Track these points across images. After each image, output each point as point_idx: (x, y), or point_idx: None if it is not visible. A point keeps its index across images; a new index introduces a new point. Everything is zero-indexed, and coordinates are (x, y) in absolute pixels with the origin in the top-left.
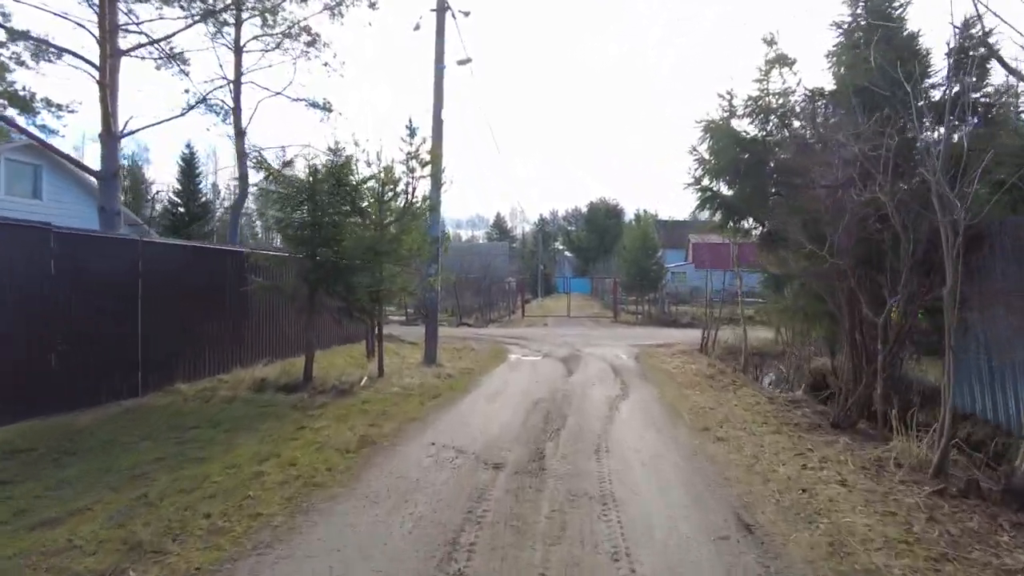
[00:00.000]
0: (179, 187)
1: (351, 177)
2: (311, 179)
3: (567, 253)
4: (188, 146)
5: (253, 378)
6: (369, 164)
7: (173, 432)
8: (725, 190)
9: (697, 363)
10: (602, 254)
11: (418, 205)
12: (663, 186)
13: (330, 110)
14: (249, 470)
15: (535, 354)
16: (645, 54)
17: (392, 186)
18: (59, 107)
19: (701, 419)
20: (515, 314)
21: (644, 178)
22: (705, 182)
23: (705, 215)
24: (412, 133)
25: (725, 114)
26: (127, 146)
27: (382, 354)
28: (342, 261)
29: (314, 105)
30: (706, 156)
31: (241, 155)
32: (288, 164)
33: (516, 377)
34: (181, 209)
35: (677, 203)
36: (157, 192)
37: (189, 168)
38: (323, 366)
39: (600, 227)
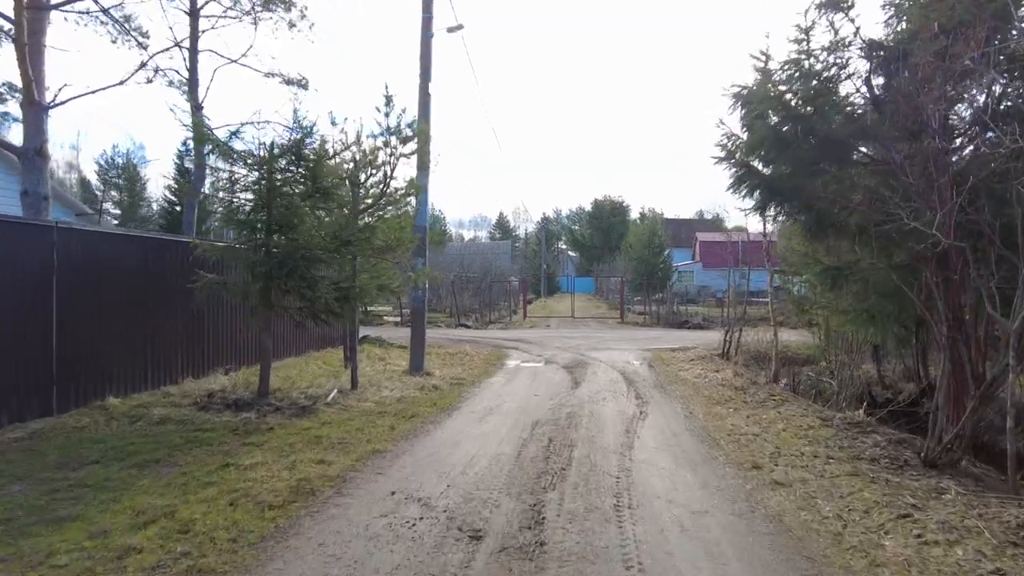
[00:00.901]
0: (175, 185)
1: (308, 151)
2: (267, 154)
3: (571, 253)
4: (184, 143)
5: (202, 391)
6: (347, 147)
7: (62, 470)
8: (760, 168)
9: (720, 371)
10: (607, 252)
11: (399, 189)
12: (668, 185)
13: (305, 87)
14: (118, 542)
15: (536, 360)
16: (652, 45)
17: (372, 168)
18: None
19: (745, 451)
20: (517, 315)
21: (649, 175)
22: (739, 156)
23: (734, 200)
24: (389, 102)
25: (760, 77)
26: (122, 142)
27: (356, 362)
28: (299, 252)
29: (289, 82)
30: (737, 130)
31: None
32: (235, 134)
33: (513, 389)
34: (177, 207)
35: (682, 202)
36: (147, 185)
37: (184, 164)
38: (290, 376)
39: (605, 225)
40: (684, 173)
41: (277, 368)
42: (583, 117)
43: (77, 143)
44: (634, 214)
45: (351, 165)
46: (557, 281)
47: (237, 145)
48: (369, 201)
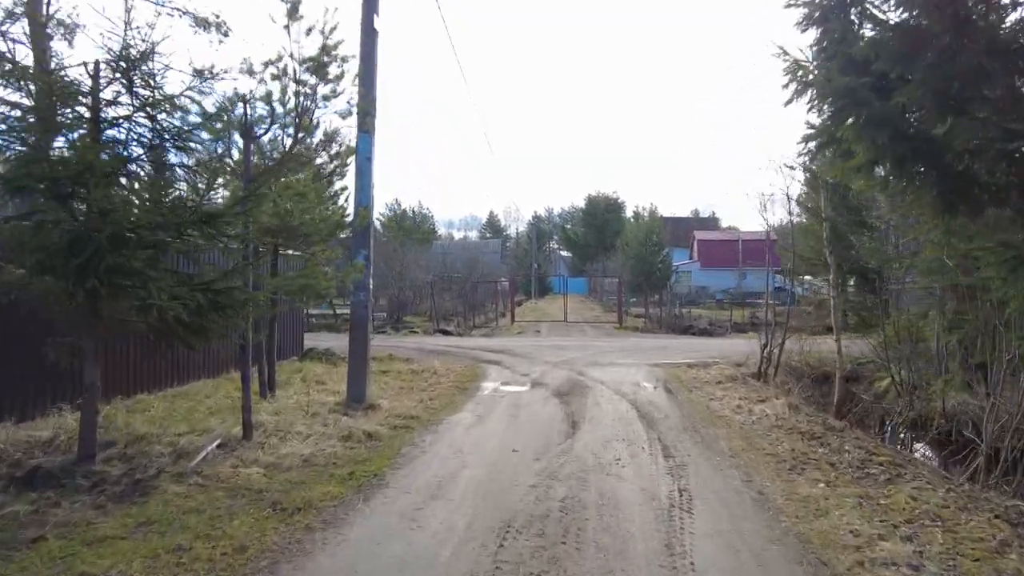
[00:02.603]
0: None
1: (146, 72)
2: (91, 74)
3: (563, 253)
4: None
5: (14, 444)
6: (271, 103)
7: None
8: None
9: (766, 400)
10: (601, 251)
11: (319, 148)
12: (662, 183)
13: (226, 33)
14: None
15: (520, 381)
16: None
17: (281, 115)
18: None
19: None
20: (504, 318)
21: (642, 172)
22: (836, 80)
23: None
24: (294, 12)
25: None
26: None
27: (248, 399)
28: (112, 229)
29: (202, 23)
30: (806, 59)
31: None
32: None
33: (483, 437)
34: None
35: (677, 200)
36: None
37: None
38: (175, 412)
39: (599, 222)
40: (678, 170)
41: (173, 396)
42: (574, 113)
43: None
44: (628, 212)
45: (240, 107)
46: (549, 282)
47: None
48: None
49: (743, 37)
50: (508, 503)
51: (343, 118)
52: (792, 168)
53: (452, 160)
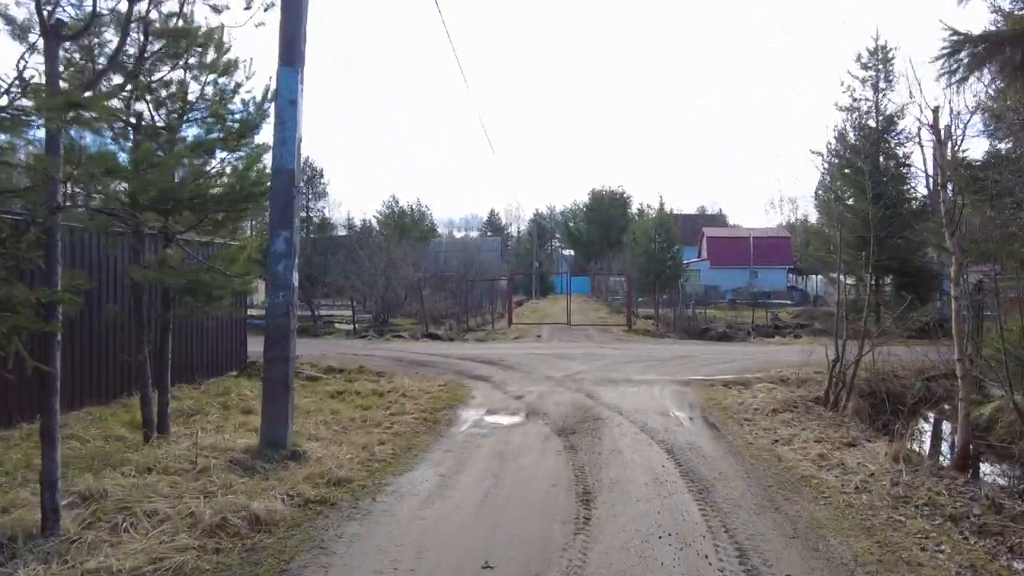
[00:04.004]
0: None
1: None
2: None
3: (565, 252)
4: None
5: None
6: None
7: None
8: None
9: (850, 440)
10: (606, 248)
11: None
12: (666, 180)
13: None
14: None
15: (512, 407)
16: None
17: None
18: None
19: None
20: (502, 320)
21: (645, 169)
22: None
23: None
24: None
25: None
26: None
27: (50, 464)
28: None
29: None
30: None
31: None
32: None
33: (439, 531)
34: None
35: (682, 197)
36: None
37: None
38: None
39: (604, 218)
40: (679, 167)
41: (26, 435)
42: (575, 111)
43: None
44: (634, 208)
45: None
46: (551, 280)
47: None
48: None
49: (743, 34)
50: None
51: None
52: (820, 154)
53: (452, 157)
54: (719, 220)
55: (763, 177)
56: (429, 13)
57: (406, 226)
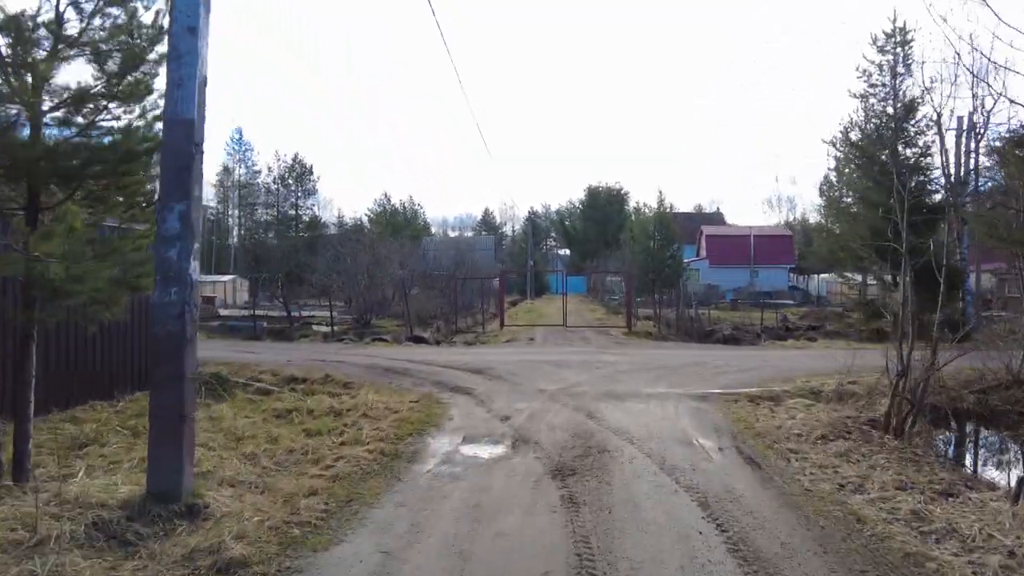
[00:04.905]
0: None
1: None
2: None
3: (560, 252)
4: None
5: None
6: None
7: None
8: None
9: (942, 485)
10: (602, 247)
11: None
12: (663, 179)
13: None
14: None
15: (495, 434)
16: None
17: None
18: None
19: None
20: (494, 322)
21: (642, 168)
22: None
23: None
24: None
25: None
26: None
27: None
28: None
29: None
30: None
31: None
32: None
33: None
34: None
35: (679, 196)
36: None
37: None
38: None
39: (601, 215)
40: (678, 167)
41: None
42: (573, 110)
43: None
44: (631, 206)
45: None
46: (546, 280)
47: None
48: None
49: (743, 34)
50: None
51: None
52: (832, 143)
53: (447, 156)
54: (716, 219)
55: (762, 177)
56: (429, 13)
57: (398, 224)
